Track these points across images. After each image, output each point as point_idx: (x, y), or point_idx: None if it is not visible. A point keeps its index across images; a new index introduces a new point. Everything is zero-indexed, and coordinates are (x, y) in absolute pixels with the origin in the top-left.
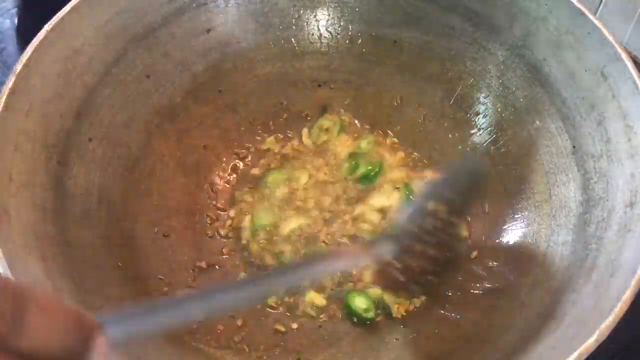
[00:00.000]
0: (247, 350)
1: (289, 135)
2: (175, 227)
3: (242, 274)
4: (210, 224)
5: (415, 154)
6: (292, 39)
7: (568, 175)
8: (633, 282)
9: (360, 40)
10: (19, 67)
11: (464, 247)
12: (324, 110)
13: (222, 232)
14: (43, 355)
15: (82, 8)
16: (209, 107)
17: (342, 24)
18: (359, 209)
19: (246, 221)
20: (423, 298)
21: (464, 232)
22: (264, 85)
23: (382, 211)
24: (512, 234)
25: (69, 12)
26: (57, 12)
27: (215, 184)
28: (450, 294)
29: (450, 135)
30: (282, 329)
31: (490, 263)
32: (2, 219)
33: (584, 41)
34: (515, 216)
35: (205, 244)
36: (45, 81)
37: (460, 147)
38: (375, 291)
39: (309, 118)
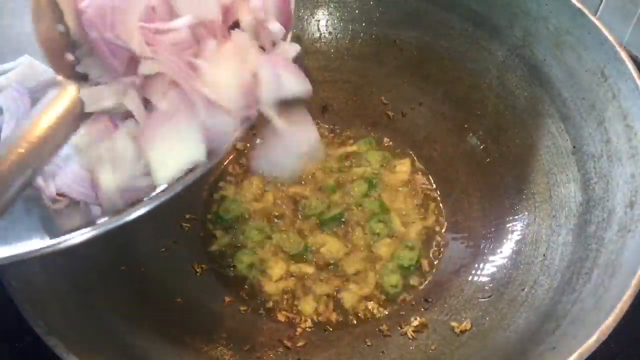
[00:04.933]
0: (247, 350)
1: None
2: (175, 227)
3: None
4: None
5: (416, 154)
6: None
7: (568, 175)
8: (633, 283)
9: (360, 40)
10: None
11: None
12: (324, 110)
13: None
14: None
15: None
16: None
17: (342, 24)
18: None
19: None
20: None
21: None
22: None
23: None
24: (513, 234)
25: None
26: None
27: (214, 184)
28: (451, 295)
29: (450, 135)
30: (283, 329)
31: (490, 264)
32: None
33: (584, 41)
34: (516, 216)
35: (208, 245)
36: None
37: (460, 147)
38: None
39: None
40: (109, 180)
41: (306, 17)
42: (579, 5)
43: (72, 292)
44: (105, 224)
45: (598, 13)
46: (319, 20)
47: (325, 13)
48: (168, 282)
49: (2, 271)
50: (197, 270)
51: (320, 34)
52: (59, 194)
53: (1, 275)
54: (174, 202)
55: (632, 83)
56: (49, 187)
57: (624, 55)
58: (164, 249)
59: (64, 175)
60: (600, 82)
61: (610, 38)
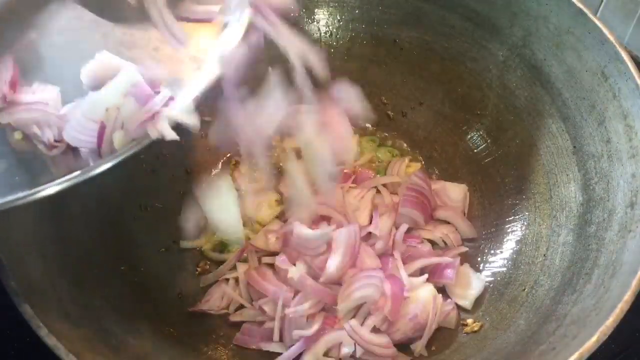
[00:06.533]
0: (245, 349)
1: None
2: (175, 227)
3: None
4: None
5: (416, 153)
6: None
7: (569, 175)
8: (634, 283)
9: (360, 40)
10: None
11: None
12: None
13: None
14: None
15: None
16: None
17: (342, 24)
18: None
19: None
20: None
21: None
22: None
23: None
24: (513, 234)
25: None
26: None
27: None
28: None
29: (450, 135)
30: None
31: (490, 264)
32: (1, 219)
33: (585, 41)
34: (516, 217)
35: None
36: None
37: (460, 147)
38: None
39: None
40: (121, 137)
41: (306, 17)
42: (579, 4)
43: (71, 292)
44: (93, 168)
45: (598, 13)
46: (319, 20)
47: (325, 13)
48: (168, 282)
49: (1, 271)
50: (197, 269)
51: (320, 34)
52: (56, 141)
53: (1, 275)
54: (173, 203)
55: (632, 83)
56: (45, 134)
57: (624, 55)
58: (164, 249)
59: (71, 123)
60: (600, 82)
61: (611, 38)
